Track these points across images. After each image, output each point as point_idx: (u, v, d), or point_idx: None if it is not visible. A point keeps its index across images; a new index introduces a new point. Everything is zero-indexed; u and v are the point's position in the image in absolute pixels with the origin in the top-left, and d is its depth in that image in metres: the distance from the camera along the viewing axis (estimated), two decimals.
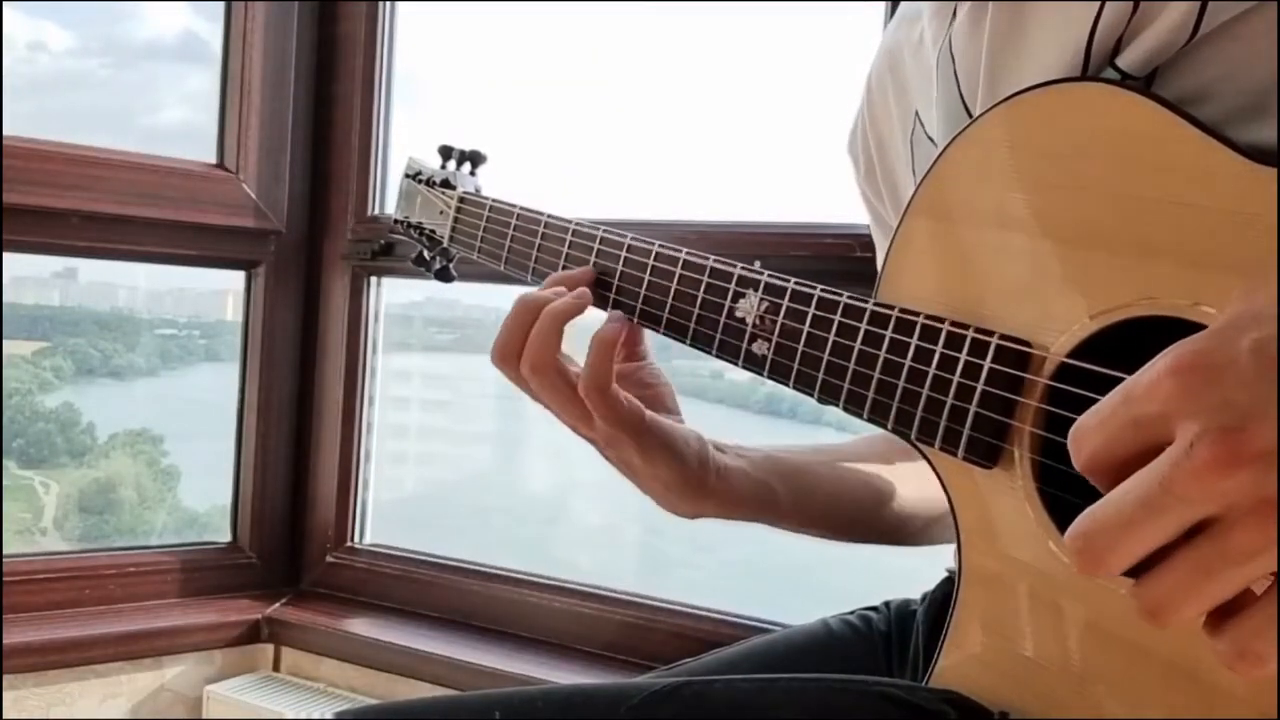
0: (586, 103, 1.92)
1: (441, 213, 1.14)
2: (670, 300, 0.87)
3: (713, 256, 0.85)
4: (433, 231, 1.16)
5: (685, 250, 0.87)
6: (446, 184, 1.14)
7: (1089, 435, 0.49)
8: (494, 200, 1.07)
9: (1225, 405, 0.44)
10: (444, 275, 1.21)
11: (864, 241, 1.53)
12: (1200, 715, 0.56)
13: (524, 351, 0.86)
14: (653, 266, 0.89)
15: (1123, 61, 0.66)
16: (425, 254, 1.21)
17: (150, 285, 2.21)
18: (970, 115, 0.76)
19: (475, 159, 1.16)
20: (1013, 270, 0.66)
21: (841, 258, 1.55)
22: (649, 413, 0.86)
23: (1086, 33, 0.67)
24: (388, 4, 2.00)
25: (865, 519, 0.98)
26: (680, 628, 1.68)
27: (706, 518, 0.91)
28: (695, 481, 0.88)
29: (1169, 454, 0.45)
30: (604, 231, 0.94)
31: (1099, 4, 0.66)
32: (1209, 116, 0.58)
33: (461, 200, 1.11)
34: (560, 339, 0.87)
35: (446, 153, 1.17)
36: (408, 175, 1.21)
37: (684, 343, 0.87)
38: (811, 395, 0.77)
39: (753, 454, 0.93)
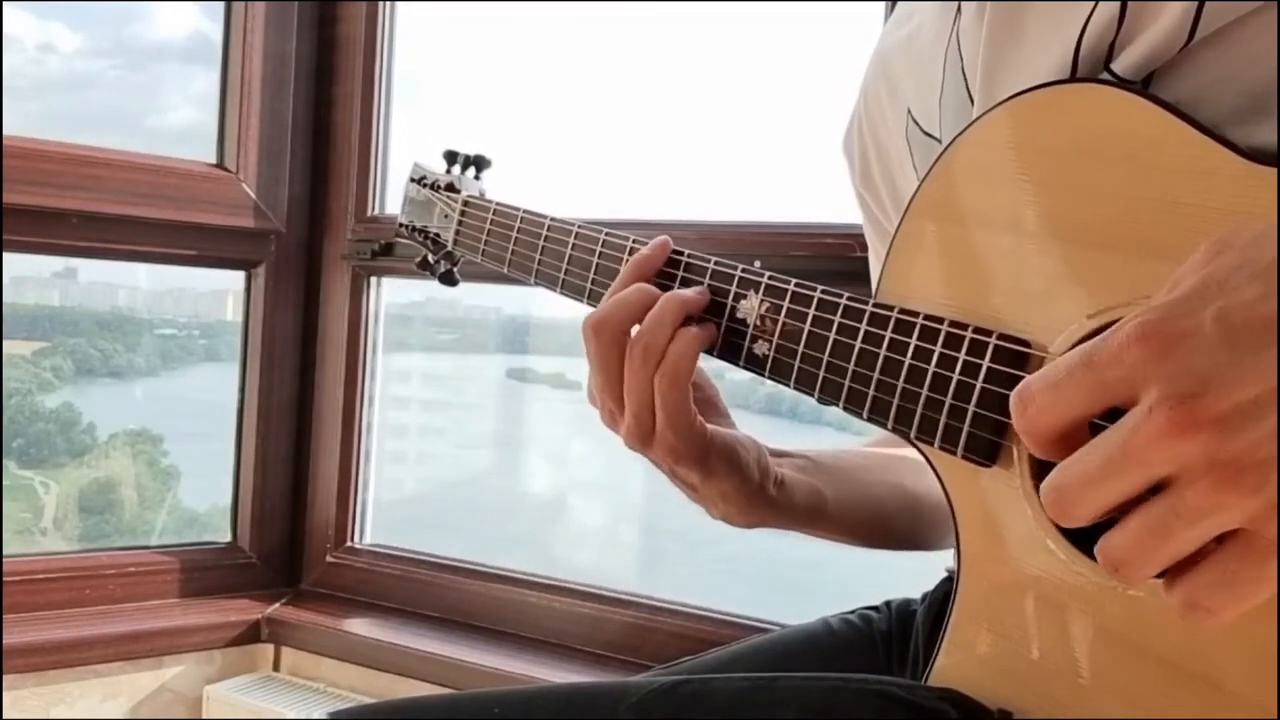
0: (586, 103, 1.92)
1: (446, 216, 1.14)
2: None
3: (714, 258, 0.85)
4: (437, 235, 1.16)
5: (687, 252, 0.87)
6: (451, 188, 1.15)
7: (1040, 395, 0.51)
8: (498, 204, 1.07)
9: (1186, 372, 0.46)
10: (448, 279, 1.22)
11: (864, 241, 1.53)
12: (1199, 714, 0.56)
13: (640, 331, 0.80)
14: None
15: (1118, 66, 0.66)
16: (430, 258, 1.21)
17: (150, 285, 2.21)
18: None
19: (480, 163, 1.17)
20: (1011, 270, 0.66)
21: (841, 258, 1.55)
22: (711, 426, 0.83)
23: (1076, 35, 0.67)
24: (387, 5, 2.00)
25: (909, 531, 0.97)
26: (680, 628, 1.68)
27: (762, 527, 0.89)
28: (755, 493, 0.85)
29: (1130, 417, 0.47)
30: (606, 234, 0.94)
31: (1091, 6, 0.66)
32: (1206, 119, 0.58)
33: (466, 204, 1.11)
34: (677, 326, 0.81)
35: (451, 157, 1.17)
36: (412, 179, 1.21)
37: None
38: (812, 395, 0.77)
39: (799, 459, 0.91)
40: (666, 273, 0.88)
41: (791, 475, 0.89)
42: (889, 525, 0.96)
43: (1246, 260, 0.47)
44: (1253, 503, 0.45)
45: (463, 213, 1.11)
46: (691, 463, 0.82)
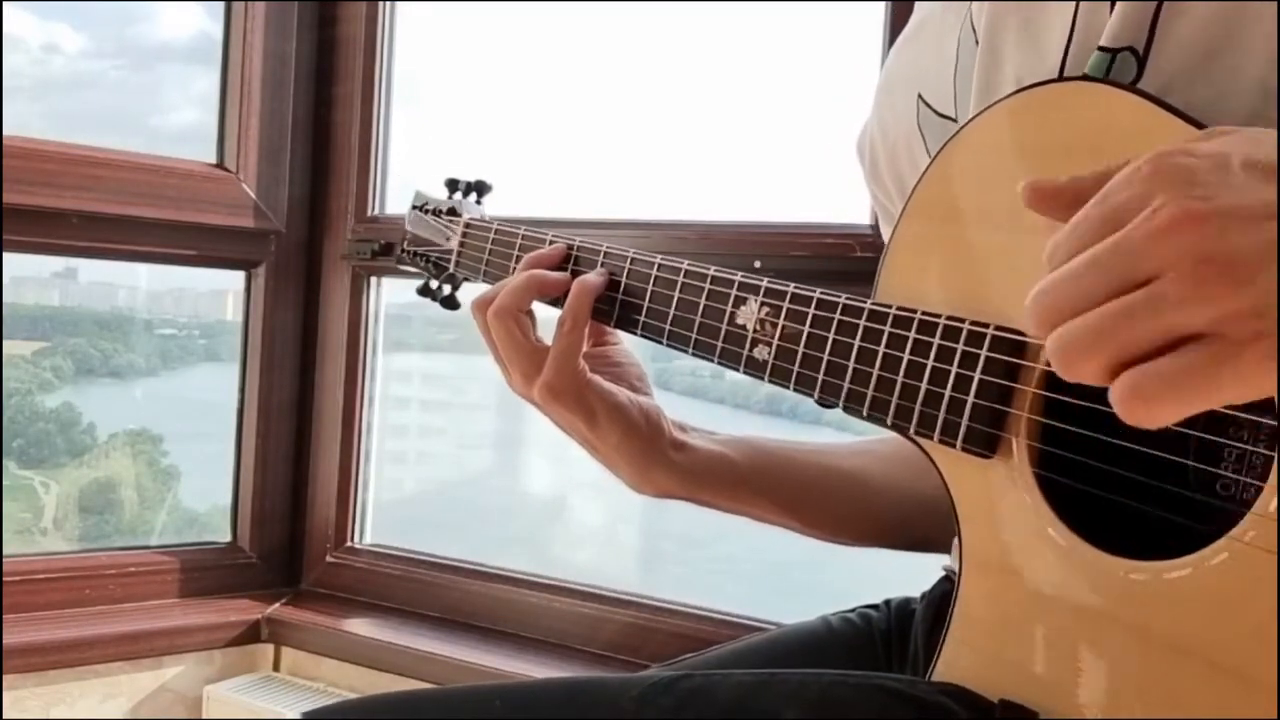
0: (587, 103, 1.93)
1: (447, 239, 1.15)
2: (673, 311, 0.88)
3: (713, 266, 0.86)
4: (439, 259, 1.17)
5: (687, 261, 0.88)
6: (453, 212, 1.16)
7: (1063, 242, 0.50)
8: (500, 224, 1.08)
9: (1196, 184, 0.47)
10: (450, 303, 1.22)
11: (864, 241, 1.54)
12: (1202, 697, 0.56)
13: (495, 297, 0.91)
14: (655, 278, 0.90)
15: (1106, 38, 0.67)
16: (431, 284, 1.22)
17: (150, 285, 2.21)
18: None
19: (481, 188, 1.18)
20: (1006, 266, 0.66)
21: (841, 258, 1.55)
22: (594, 376, 0.89)
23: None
24: (388, 5, 2.01)
25: (849, 513, 0.98)
26: (681, 628, 1.68)
27: (671, 496, 0.92)
28: (649, 450, 0.89)
29: (1131, 222, 0.47)
30: (607, 247, 0.95)
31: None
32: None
33: (467, 226, 1.13)
34: (532, 297, 0.92)
35: (453, 185, 1.19)
36: (414, 207, 1.22)
37: (686, 352, 0.88)
38: (812, 396, 0.77)
39: (721, 435, 0.95)
40: (665, 280, 0.89)
41: (697, 443, 0.92)
42: (837, 514, 0.97)
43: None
44: (1234, 301, 0.45)
45: (464, 235, 1.13)
46: (571, 402, 0.88)
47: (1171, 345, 0.46)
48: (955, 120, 0.82)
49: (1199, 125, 0.58)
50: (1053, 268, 0.51)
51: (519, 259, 1.02)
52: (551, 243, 0.99)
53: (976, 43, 0.78)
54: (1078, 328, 0.48)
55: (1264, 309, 0.44)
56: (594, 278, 0.92)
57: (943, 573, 0.95)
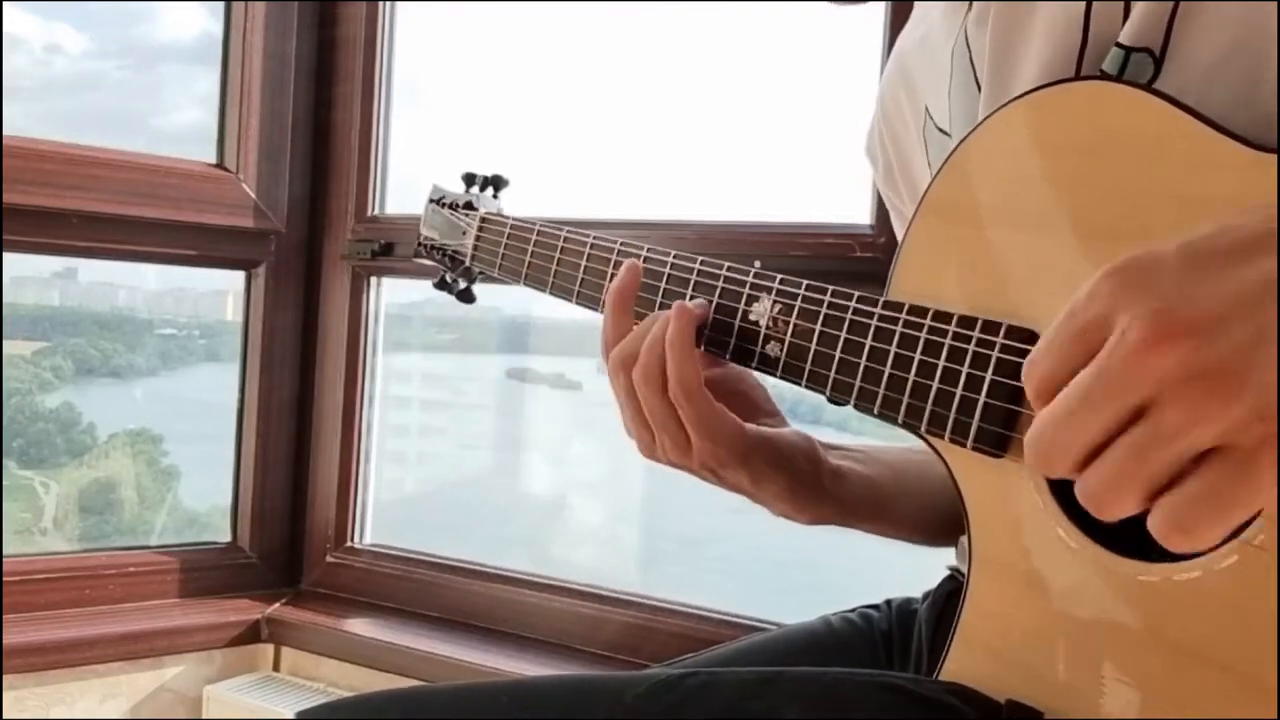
0: (586, 103, 1.93)
1: (464, 233, 1.16)
2: None
3: (726, 264, 0.86)
4: (455, 252, 1.18)
5: (700, 258, 0.88)
6: (469, 206, 1.17)
7: (1038, 362, 0.52)
8: (515, 219, 1.09)
9: (1157, 295, 0.47)
10: (465, 296, 1.24)
11: (864, 241, 1.55)
12: (1211, 699, 0.56)
13: (639, 356, 0.80)
14: (669, 275, 0.90)
15: (1124, 36, 0.67)
16: (447, 277, 1.23)
17: (150, 285, 2.21)
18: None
19: (497, 183, 1.20)
20: (1019, 265, 0.66)
21: (841, 258, 1.56)
22: (749, 426, 0.83)
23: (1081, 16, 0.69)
24: (387, 5, 2.01)
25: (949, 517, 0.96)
26: (680, 628, 1.68)
27: (826, 524, 0.89)
28: (810, 487, 0.86)
29: (1105, 347, 0.48)
30: (621, 244, 0.95)
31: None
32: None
33: (484, 220, 1.14)
34: (691, 350, 0.79)
35: (470, 179, 1.21)
36: (431, 200, 1.24)
37: (697, 348, 0.88)
38: (823, 393, 0.78)
39: (852, 450, 0.92)
40: (679, 278, 0.89)
41: (849, 467, 0.89)
42: (944, 520, 0.94)
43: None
44: (1232, 411, 0.45)
45: (480, 228, 1.14)
46: (735, 466, 0.82)
47: (1193, 461, 0.47)
48: (950, 136, 0.82)
49: (1221, 129, 0.57)
50: (1032, 388, 0.52)
51: (534, 254, 1.02)
52: (566, 239, 0.98)
53: (970, 59, 0.78)
54: (1097, 478, 0.49)
55: (1264, 411, 0.45)
56: (681, 328, 0.79)
57: (947, 572, 0.95)
